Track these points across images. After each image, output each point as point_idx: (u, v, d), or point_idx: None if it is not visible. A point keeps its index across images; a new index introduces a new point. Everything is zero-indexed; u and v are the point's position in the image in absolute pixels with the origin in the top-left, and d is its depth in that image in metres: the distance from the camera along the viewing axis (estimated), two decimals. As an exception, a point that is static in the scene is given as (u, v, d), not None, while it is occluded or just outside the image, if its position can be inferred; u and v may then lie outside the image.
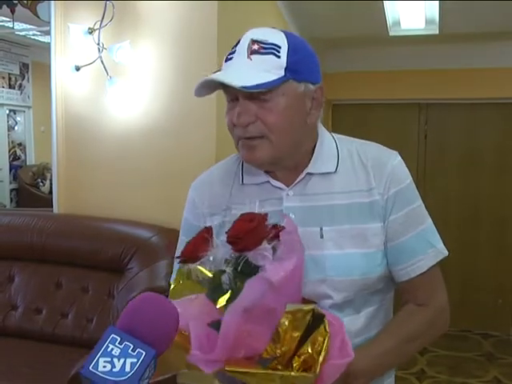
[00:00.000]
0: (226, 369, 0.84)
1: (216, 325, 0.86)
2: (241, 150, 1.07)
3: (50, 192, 3.36)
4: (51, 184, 3.34)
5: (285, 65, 1.01)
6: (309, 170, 1.11)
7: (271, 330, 0.88)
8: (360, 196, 1.09)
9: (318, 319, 0.89)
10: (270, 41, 1.02)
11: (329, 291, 1.06)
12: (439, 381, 3.92)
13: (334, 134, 1.18)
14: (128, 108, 3.03)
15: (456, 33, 4.22)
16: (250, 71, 1.00)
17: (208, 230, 0.97)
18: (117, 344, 0.67)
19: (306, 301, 0.95)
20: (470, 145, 4.90)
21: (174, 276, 1.12)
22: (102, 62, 2.94)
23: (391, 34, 4.17)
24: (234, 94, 1.03)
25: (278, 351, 0.88)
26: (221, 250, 0.94)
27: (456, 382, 3.89)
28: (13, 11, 3.55)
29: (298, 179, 1.10)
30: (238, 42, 1.05)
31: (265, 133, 1.03)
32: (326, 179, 1.10)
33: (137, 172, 3.08)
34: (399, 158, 1.14)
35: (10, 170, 4.15)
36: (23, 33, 3.90)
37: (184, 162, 2.95)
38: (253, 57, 1.01)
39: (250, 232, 0.90)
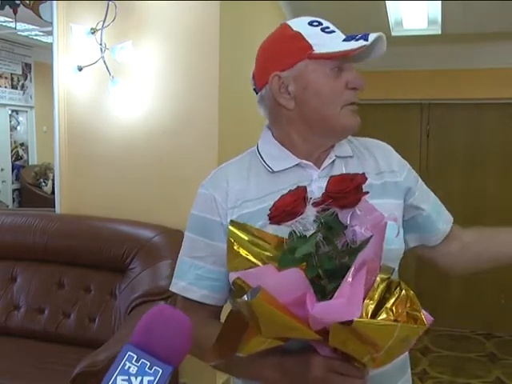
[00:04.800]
0: (356, 319, 0.79)
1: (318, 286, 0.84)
2: (348, 116, 1.10)
3: (53, 192, 3.37)
4: (53, 184, 3.35)
5: None
6: (335, 152, 1.14)
7: (366, 292, 0.84)
8: (373, 178, 1.13)
9: (391, 287, 0.87)
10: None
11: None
12: (442, 381, 3.91)
13: None
14: (130, 108, 3.03)
15: (458, 33, 4.21)
16: None
17: (305, 189, 0.93)
18: (133, 362, 0.66)
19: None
20: (472, 145, 4.89)
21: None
22: (104, 62, 2.95)
23: (393, 34, 4.17)
24: (341, 62, 1.06)
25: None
26: (311, 211, 0.90)
27: (458, 383, 3.88)
28: (15, 12, 3.56)
29: (329, 161, 1.13)
30: (315, 21, 1.14)
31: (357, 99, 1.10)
32: (345, 162, 1.15)
33: (139, 172, 3.08)
34: None
35: (13, 170, 4.15)
36: (26, 33, 3.90)
37: (186, 161, 2.95)
38: None
39: (354, 189, 0.89)
